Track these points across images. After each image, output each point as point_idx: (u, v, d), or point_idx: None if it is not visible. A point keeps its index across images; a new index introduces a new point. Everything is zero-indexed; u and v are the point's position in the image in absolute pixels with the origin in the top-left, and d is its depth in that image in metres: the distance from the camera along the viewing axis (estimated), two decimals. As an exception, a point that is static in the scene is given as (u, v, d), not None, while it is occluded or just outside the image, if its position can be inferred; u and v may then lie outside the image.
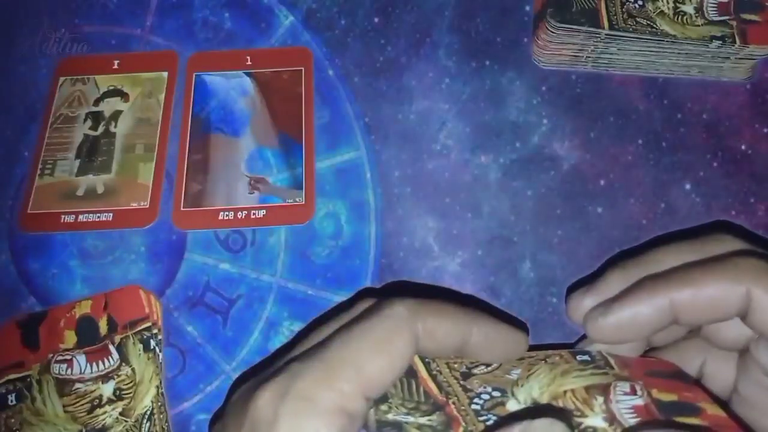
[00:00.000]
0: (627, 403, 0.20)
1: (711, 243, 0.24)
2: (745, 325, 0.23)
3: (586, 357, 0.23)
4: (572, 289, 0.26)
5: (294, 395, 0.19)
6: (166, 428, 0.30)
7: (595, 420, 0.20)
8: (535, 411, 0.20)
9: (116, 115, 0.36)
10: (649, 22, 0.34)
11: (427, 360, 0.22)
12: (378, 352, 0.20)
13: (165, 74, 0.37)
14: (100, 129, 0.35)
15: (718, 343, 0.24)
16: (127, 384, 0.30)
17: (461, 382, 0.22)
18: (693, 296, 0.22)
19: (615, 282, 0.24)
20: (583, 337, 0.25)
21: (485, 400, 0.21)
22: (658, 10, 0.34)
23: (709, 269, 0.22)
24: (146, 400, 0.30)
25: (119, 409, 0.30)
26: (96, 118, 0.36)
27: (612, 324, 0.23)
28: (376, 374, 0.20)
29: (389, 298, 0.21)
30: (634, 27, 0.33)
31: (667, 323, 0.22)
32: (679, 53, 0.34)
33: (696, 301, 0.22)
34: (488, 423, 0.20)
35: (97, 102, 0.36)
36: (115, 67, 0.37)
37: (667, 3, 0.34)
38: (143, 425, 0.30)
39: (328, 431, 0.18)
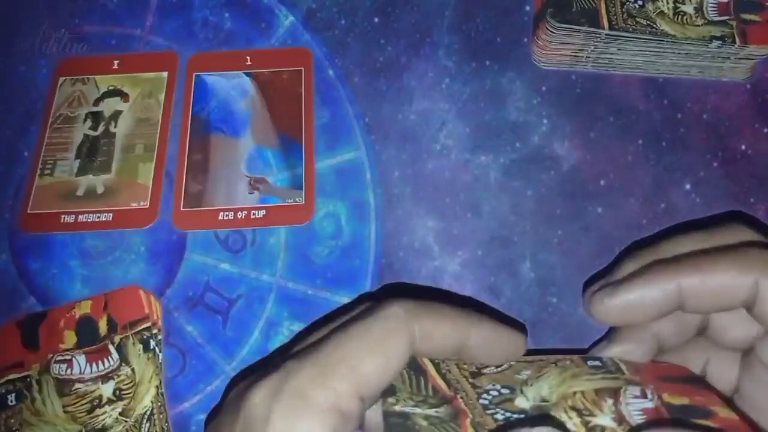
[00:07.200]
0: (637, 406, 0.20)
1: (724, 233, 0.24)
2: (750, 326, 0.23)
3: (597, 362, 0.23)
4: (588, 284, 0.25)
5: (288, 393, 0.19)
6: (165, 428, 0.30)
7: (604, 419, 0.20)
8: (535, 418, 0.20)
9: (116, 115, 0.36)
10: (649, 22, 0.34)
11: (436, 361, 0.22)
12: (373, 352, 0.20)
13: (165, 74, 0.37)
14: (100, 129, 0.35)
15: (724, 343, 0.24)
16: (126, 384, 0.30)
17: (470, 380, 0.22)
18: (701, 282, 0.22)
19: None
20: (595, 344, 0.25)
21: (494, 396, 0.21)
22: (658, 10, 0.34)
23: (719, 257, 0.22)
24: (146, 400, 0.30)
25: (119, 409, 0.30)
26: (96, 118, 0.36)
27: (619, 305, 0.23)
28: (371, 374, 0.20)
29: (387, 299, 0.21)
30: (634, 27, 0.33)
31: (674, 308, 0.22)
32: (679, 53, 0.34)
33: (704, 288, 0.22)
34: (496, 416, 0.20)
35: (97, 102, 0.36)
36: (115, 67, 0.37)
37: (667, 3, 0.34)
38: (143, 425, 0.30)
39: (322, 429, 0.18)
